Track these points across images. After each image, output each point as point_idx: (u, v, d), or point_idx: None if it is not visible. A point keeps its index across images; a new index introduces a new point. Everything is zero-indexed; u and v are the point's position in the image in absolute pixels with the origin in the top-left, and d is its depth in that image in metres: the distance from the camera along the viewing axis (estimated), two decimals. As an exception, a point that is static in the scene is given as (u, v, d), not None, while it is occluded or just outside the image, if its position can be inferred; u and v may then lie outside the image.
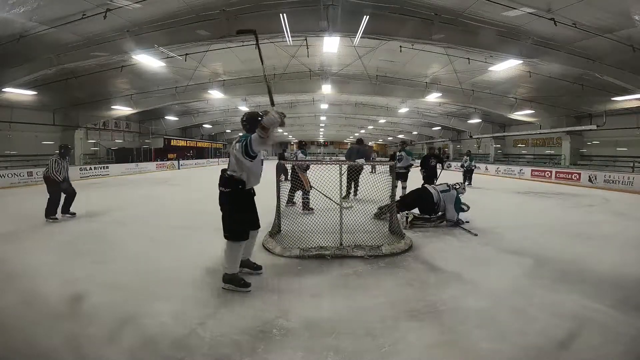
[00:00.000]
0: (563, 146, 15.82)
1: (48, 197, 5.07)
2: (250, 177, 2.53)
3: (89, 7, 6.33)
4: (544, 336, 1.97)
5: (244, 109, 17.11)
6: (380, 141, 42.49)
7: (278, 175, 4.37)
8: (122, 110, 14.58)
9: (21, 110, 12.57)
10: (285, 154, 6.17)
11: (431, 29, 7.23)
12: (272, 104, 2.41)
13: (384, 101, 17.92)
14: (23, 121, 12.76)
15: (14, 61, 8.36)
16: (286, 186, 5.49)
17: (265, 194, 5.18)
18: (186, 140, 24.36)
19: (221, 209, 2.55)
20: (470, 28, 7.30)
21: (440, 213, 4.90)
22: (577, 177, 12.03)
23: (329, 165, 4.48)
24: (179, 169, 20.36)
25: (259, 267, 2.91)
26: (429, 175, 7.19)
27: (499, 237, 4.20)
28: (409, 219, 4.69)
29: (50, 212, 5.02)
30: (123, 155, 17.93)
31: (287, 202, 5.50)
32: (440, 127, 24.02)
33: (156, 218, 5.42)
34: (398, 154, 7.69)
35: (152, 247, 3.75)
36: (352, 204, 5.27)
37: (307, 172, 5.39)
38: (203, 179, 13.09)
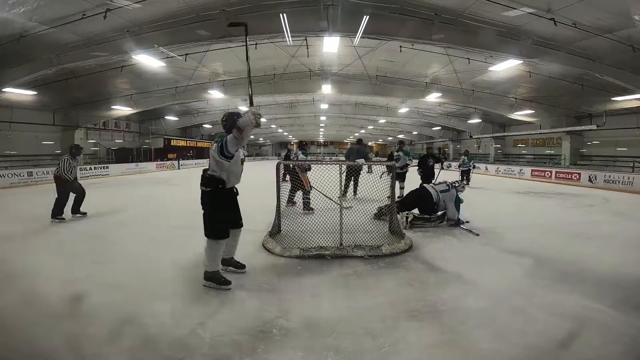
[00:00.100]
0: (563, 146, 15.82)
1: (56, 196, 5.06)
2: (230, 177, 2.58)
3: (89, 7, 6.33)
4: (544, 336, 1.97)
5: (244, 108, 17.04)
6: (380, 141, 42.49)
7: (284, 176, 4.36)
8: (122, 110, 14.58)
9: (21, 110, 12.57)
10: (291, 155, 6.17)
11: (431, 29, 7.23)
12: (251, 103, 2.44)
13: (384, 101, 17.92)
14: (23, 121, 12.77)
15: (14, 61, 8.36)
16: (286, 186, 5.49)
17: (265, 194, 5.20)
18: (186, 140, 24.36)
19: (202, 208, 2.60)
20: (470, 28, 7.30)
21: (440, 213, 4.90)
22: (577, 177, 12.03)
23: (329, 165, 4.49)
24: (179, 169, 20.37)
25: (243, 266, 2.95)
26: (427, 175, 7.20)
27: (499, 237, 4.20)
28: (409, 219, 4.68)
29: (56, 212, 5.01)
30: (123, 155, 17.94)
31: (287, 202, 5.50)
32: (440, 127, 24.03)
33: (156, 218, 5.42)
34: (395, 154, 7.69)
35: (152, 247, 3.75)
36: (352, 204, 5.27)
37: (308, 173, 5.39)
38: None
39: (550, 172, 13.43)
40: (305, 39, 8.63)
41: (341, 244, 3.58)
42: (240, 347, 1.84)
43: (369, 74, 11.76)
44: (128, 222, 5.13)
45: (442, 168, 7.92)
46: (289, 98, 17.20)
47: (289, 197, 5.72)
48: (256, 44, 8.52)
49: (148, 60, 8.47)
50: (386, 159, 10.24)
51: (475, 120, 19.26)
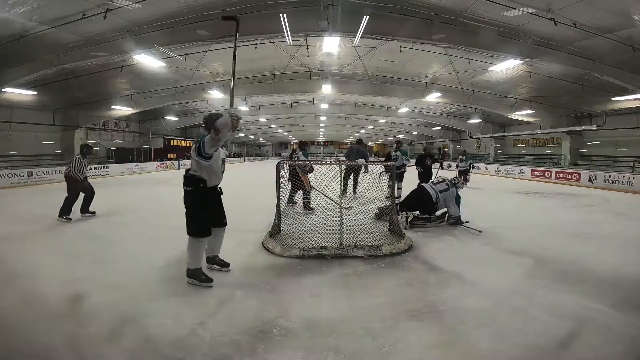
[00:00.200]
0: (563, 146, 15.81)
1: (66, 195, 5.08)
2: (210, 176, 2.62)
3: (89, 7, 6.32)
4: (544, 336, 1.97)
5: (244, 109, 17.12)
6: (380, 141, 42.48)
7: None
8: (122, 110, 14.57)
9: (21, 110, 12.56)
10: (294, 157, 6.18)
11: (431, 29, 7.23)
12: (231, 105, 2.49)
13: (384, 101, 17.91)
14: (23, 121, 12.75)
15: (14, 61, 8.36)
16: (287, 186, 5.49)
17: (265, 194, 5.22)
18: (186, 140, 24.33)
19: (185, 207, 2.65)
20: (470, 28, 7.30)
21: (440, 213, 4.91)
22: (577, 177, 12.03)
23: (329, 165, 4.49)
24: (179, 168, 20.35)
25: (227, 264, 3.00)
26: (425, 175, 7.23)
27: (499, 237, 4.20)
28: (409, 219, 4.69)
29: (64, 212, 5.01)
30: (123, 155, 17.94)
31: (287, 202, 5.50)
32: (440, 127, 24.01)
33: (156, 218, 5.42)
34: (393, 154, 7.71)
35: (152, 247, 3.75)
36: (352, 204, 5.27)
37: (311, 176, 5.39)
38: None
39: (550, 172, 13.43)
40: (305, 39, 8.63)
41: (341, 244, 3.58)
42: (240, 347, 1.84)
43: (369, 74, 11.76)
44: (128, 222, 5.13)
45: (442, 168, 7.94)
46: (289, 98, 17.19)
47: (289, 197, 5.72)
48: (256, 44, 8.52)
49: (148, 60, 8.47)
50: (384, 158, 10.27)
51: (475, 120, 19.25)
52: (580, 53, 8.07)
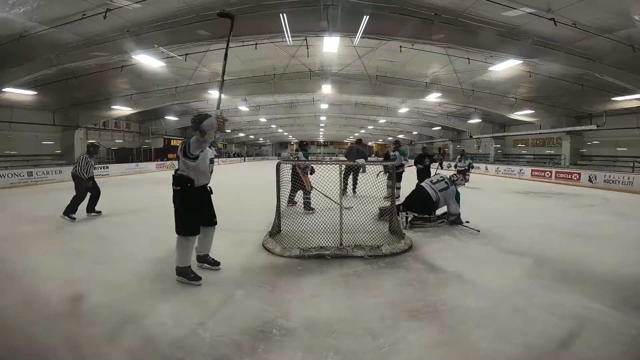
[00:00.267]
0: (563, 146, 15.81)
1: (74, 194, 5.11)
2: (198, 176, 2.66)
3: (89, 7, 6.32)
4: (544, 336, 1.97)
5: (244, 109, 17.13)
6: (380, 141, 42.49)
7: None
8: (122, 110, 14.57)
9: (21, 110, 12.57)
10: (298, 154, 6.20)
11: (431, 29, 7.23)
12: (218, 107, 2.53)
13: (384, 101, 17.91)
14: (23, 121, 12.75)
15: (14, 61, 8.36)
16: (287, 186, 5.50)
17: (265, 194, 5.22)
18: (186, 140, 24.34)
19: (174, 206, 2.68)
20: (470, 28, 7.30)
21: (440, 213, 4.91)
22: (577, 177, 12.03)
23: (329, 165, 4.49)
24: (179, 169, 20.34)
25: (217, 263, 3.02)
26: (423, 174, 7.25)
27: (499, 237, 4.20)
28: (409, 219, 4.69)
29: (69, 210, 5.02)
30: (123, 155, 17.94)
31: (288, 202, 5.50)
32: (440, 127, 24.01)
33: (156, 218, 5.41)
34: (392, 154, 7.72)
35: (153, 247, 3.75)
36: (352, 204, 5.28)
37: (311, 176, 5.39)
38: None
39: (550, 172, 13.43)
40: (305, 39, 8.63)
41: (341, 244, 3.58)
42: (240, 347, 1.84)
43: (369, 74, 11.75)
44: (128, 222, 5.13)
45: (441, 168, 7.98)
46: (289, 98, 17.19)
47: (289, 197, 5.72)
48: (256, 44, 8.51)
49: (148, 60, 8.47)
50: (382, 158, 10.34)
51: (475, 120, 19.25)
52: (580, 53, 8.07)
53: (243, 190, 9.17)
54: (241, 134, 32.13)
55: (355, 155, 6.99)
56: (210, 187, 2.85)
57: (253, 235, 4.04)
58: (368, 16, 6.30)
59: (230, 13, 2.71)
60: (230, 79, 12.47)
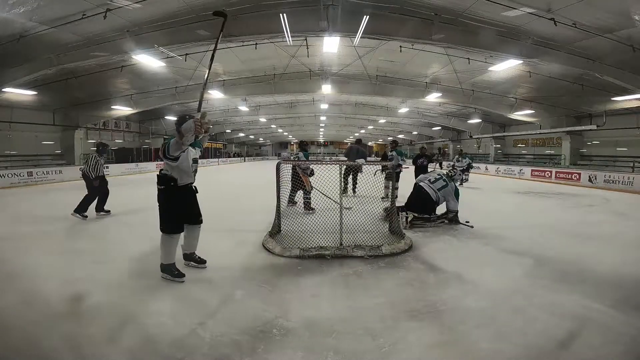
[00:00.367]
0: (563, 146, 15.81)
1: (86, 193, 5.15)
2: (181, 175, 2.70)
3: (89, 7, 6.32)
4: (544, 336, 1.97)
5: (244, 109, 17.13)
6: (380, 141, 42.48)
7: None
8: (122, 110, 14.57)
9: (21, 110, 12.56)
10: (299, 154, 6.20)
11: (431, 29, 7.23)
12: (199, 110, 2.60)
13: (384, 101, 17.91)
14: (23, 121, 12.74)
15: (14, 61, 8.35)
16: (287, 186, 5.49)
17: (265, 194, 5.22)
18: (186, 140, 24.33)
19: (158, 204, 2.74)
20: (470, 28, 7.30)
21: (440, 213, 4.92)
22: (577, 177, 12.03)
23: (329, 165, 4.49)
24: (179, 169, 20.34)
25: (203, 261, 3.05)
26: (419, 172, 7.29)
27: (499, 237, 4.20)
28: (409, 219, 4.69)
29: (81, 209, 5.05)
30: (123, 155, 17.94)
31: (288, 202, 5.50)
32: (440, 127, 24.00)
33: (156, 218, 5.39)
34: (389, 154, 7.72)
35: (152, 247, 3.74)
36: (352, 204, 5.28)
37: (311, 178, 5.38)
38: (202, 179, 13.07)
39: (550, 172, 13.44)
40: (305, 39, 8.63)
41: (341, 244, 3.58)
42: (240, 347, 1.84)
43: (369, 74, 11.76)
44: (128, 221, 5.13)
45: (441, 168, 8.01)
46: (289, 98, 17.19)
47: (289, 197, 5.72)
48: (256, 43, 8.51)
49: (148, 60, 8.47)
50: (380, 158, 10.37)
51: (475, 120, 19.25)
52: (580, 53, 8.07)
53: (243, 190, 9.17)
54: (241, 134, 32.13)
55: (355, 155, 7.00)
56: (195, 187, 2.89)
57: (253, 235, 4.04)
58: (368, 16, 6.31)
59: (224, 12, 2.73)
60: (230, 79, 12.47)
